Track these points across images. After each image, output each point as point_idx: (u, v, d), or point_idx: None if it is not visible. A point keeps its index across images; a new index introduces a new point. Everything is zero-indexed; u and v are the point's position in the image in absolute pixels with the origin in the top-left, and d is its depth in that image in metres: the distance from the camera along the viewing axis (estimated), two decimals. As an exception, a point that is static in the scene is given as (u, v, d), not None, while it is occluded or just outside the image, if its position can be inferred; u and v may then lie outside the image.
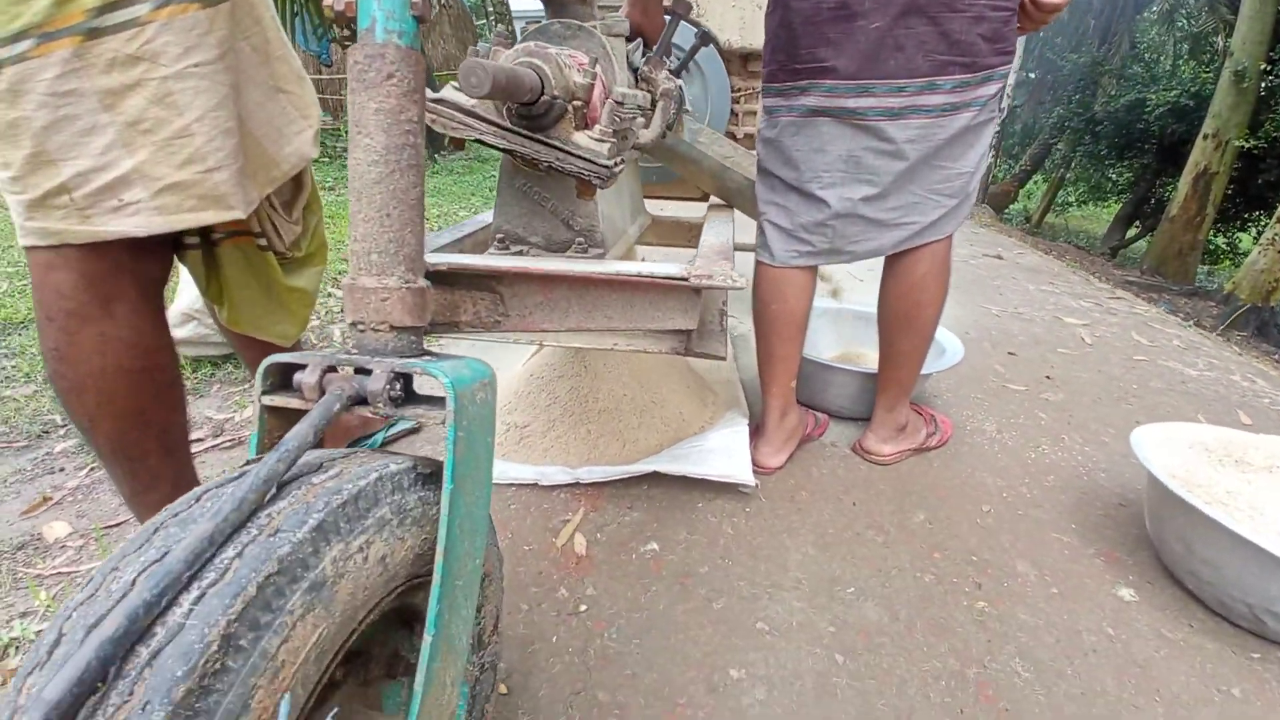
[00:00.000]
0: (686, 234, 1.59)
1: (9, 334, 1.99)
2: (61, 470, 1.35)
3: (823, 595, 1.01)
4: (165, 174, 0.68)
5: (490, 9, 9.08)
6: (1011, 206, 10.75)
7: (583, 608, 0.96)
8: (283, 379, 0.50)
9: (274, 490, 0.39)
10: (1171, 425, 1.19)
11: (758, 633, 0.94)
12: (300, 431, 0.42)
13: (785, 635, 0.93)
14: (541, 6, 0.95)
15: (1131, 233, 9.04)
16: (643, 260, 0.93)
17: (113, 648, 0.29)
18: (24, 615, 0.97)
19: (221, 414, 1.60)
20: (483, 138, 0.78)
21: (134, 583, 0.33)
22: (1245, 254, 5.94)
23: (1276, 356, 3.10)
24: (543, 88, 0.74)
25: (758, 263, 1.24)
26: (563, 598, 0.98)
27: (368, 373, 0.47)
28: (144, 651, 0.30)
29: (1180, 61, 8.91)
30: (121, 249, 0.69)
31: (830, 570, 1.07)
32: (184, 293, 1.71)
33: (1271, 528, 1.04)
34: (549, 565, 1.05)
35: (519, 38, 0.88)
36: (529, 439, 1.29)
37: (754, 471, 1.22)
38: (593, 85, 0.80)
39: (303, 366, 0.48)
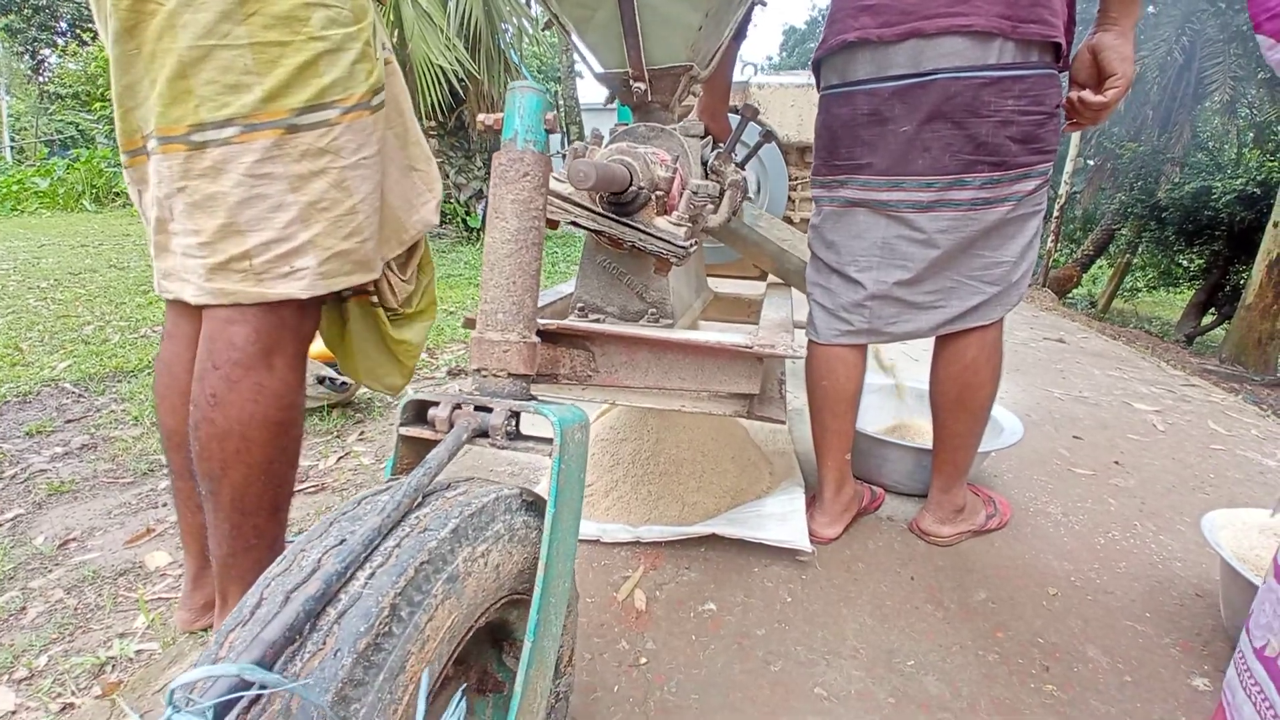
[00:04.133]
0: (745, 309, 1.68)
1: (119, 381, 2.23)
2: (165, 505, 1.47)
3: (881, 665, 1.01)
4: (333, 245, 0.79)
5: (561, 101, 9.91)
6: (1075, 291, 10.52)
7: (643, 660, 0.99)
8: (416, 414, 0.59)
9: (420, 499, 0.48)
10: (1244, 510, 1.16)
11: (815, 697, 0.94)
12: (438, 454, 0.51)
13: (843, 702, 0.94)
14: (603, 101, 1.10)
15: (1207, 320, 8.67)
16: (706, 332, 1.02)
17: (315, 604, 0.37)
18: (122, 636, 1.05)
19: (307, 462, 1.73)
20: (578, 220, 0.91)
21: (320, 560, 0.42)
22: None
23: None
24: (631, 180, 0.86)
25: (809, 340, 1.31)
26: (624, 650, 1.02)
27: (488, 410, 0.56)
28: (332, 613, 0.38)
29: (1245, 150, 8.80)
30: (289, 308, 0.80)
31: (888, 641, 1.07)
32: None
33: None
34: (610, 618, 1.09)
35: (583, 123, 1.02)
36: (592, 497, 1.36)
37: (810, 540, 1.24)
38: (673, 178, 0.92)
39: (436, 404, 0.57)
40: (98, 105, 9.60)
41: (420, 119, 5.79)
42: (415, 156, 0.94)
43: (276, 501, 0.86)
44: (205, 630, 1.03)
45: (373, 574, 0.40)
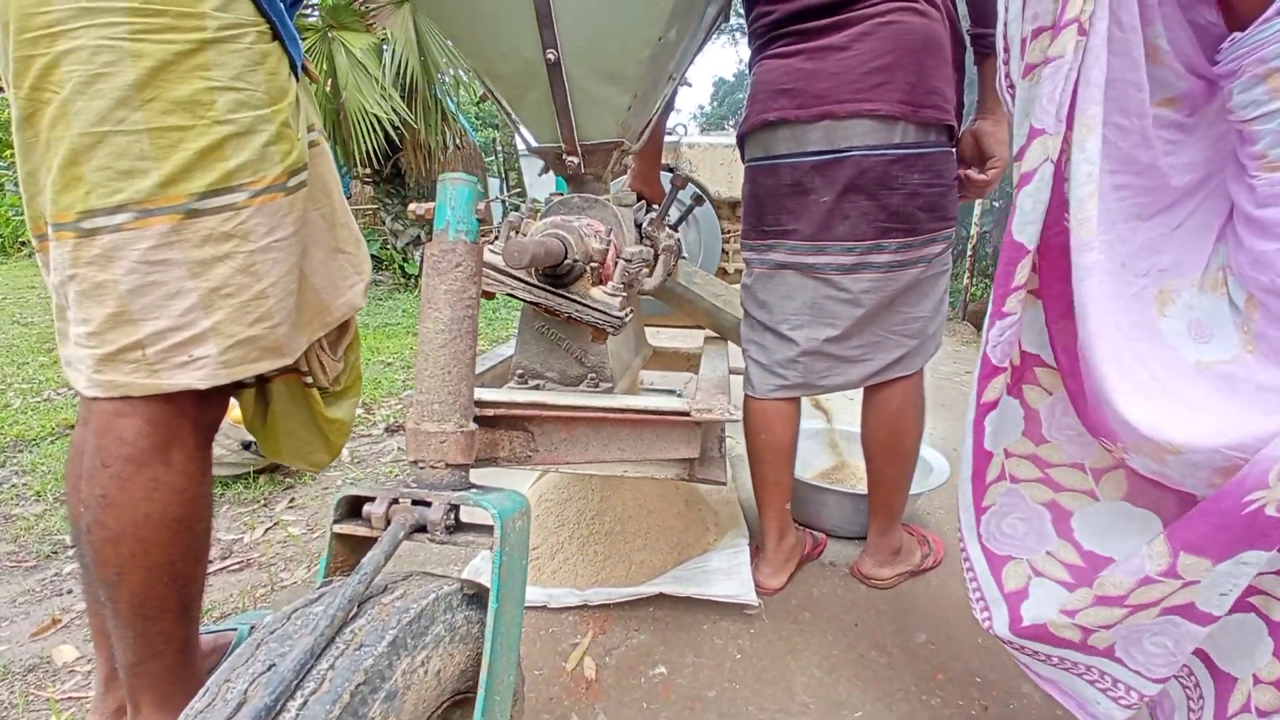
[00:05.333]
0: (685, 361, 1.72)
1: (20, 450, 2.05)
2: (70, 592, 1.37)
3: (830, 719, 1.03)
4: (237, 331, 0.74)
5: (499, 148, 10.00)
6: (992, 323, 11.18)
7: (593, 735, 0.97)
8: (351, 509, 0.58)
9: (356, 609, 0.47)
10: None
11: (767, 760, 0.94)
12: (374, 557, 0.50)
13: (795, 762, 0.94)
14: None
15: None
16: (645, 386, 1.04)
17: (241, 746, 0.36)
18: (34, 743, 0.97)
19: (231, 534, 1.63)
20: (514, 292, 0.92)
21: (247, 693, 0.40)
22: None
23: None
24: (565, 253, 0.88)
25: (745, 395, 1.36)
26: (573, 724, 0.99)
27: (426, 504, 0.56)
28: (260, 751, 0.37)
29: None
30: (187, 397, 0.74)
31: (837, 694, 1.08)
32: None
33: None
34: (560, 690, 1.06)
35: (521, 170, 1.05)
36: (538, 561, 1.34)
37: (756, 591, 1.26)
38: (607, 249, 0.95)
39: (371, 499, 0.56)
40: (8, 153, 9.01)
41: (355, 166, 5.71)
42: (343, 239, 0.92)
43: (183, 602, 0.79)
44: (116, 738, 0.94)
45: (304, 703, 0.39)
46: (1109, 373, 0.62)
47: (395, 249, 6.18)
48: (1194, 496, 0.65)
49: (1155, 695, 0.70)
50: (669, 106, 1.28)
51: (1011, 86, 0.70)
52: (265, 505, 1.78)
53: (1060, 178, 0.65)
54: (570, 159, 1.03)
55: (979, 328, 9.40)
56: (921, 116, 1.09)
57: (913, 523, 1.61)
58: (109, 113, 0.67)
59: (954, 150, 1.19)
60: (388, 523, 0.55)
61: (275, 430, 0.98)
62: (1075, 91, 0.62)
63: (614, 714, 1.02)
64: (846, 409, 2.08)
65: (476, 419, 0.64)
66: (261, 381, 0.95)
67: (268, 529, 1.65)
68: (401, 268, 6.14)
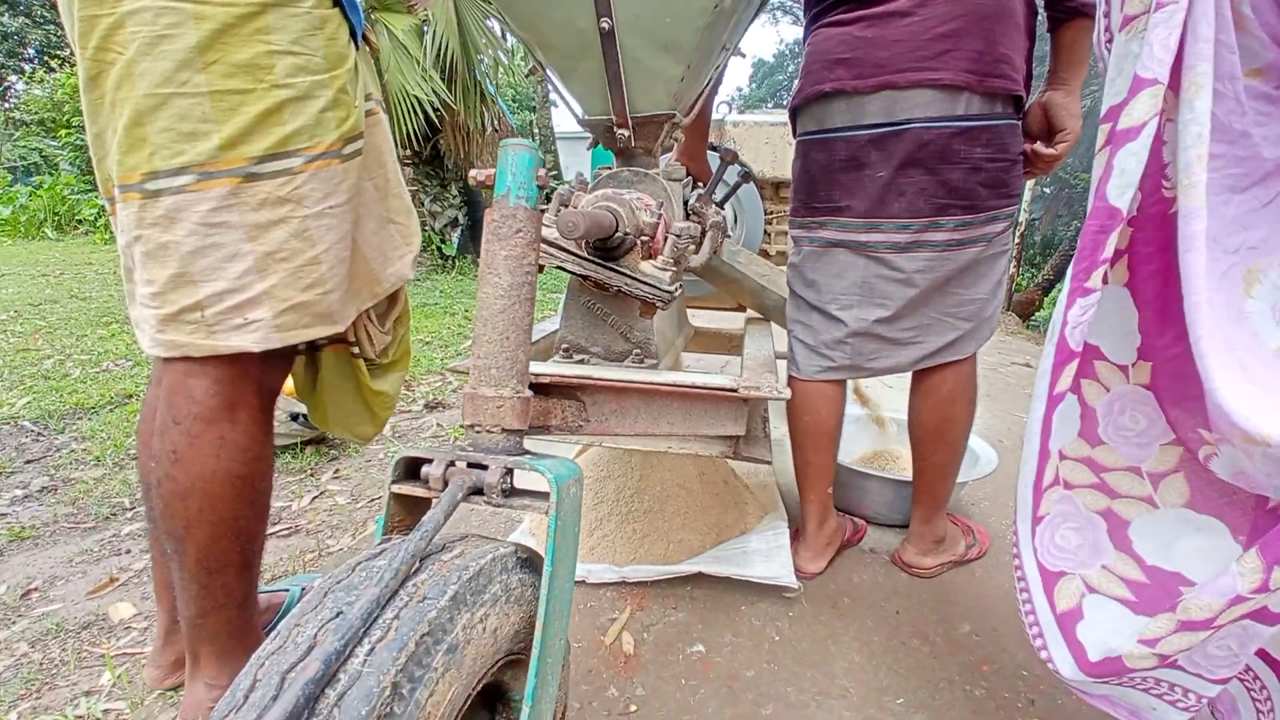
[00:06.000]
0: (725, 344, 1.70)
1: (80, 419, 2.15)
2: (128, 552, 1.42)
3: (872, 705, 1.01)
4: (290, 296, 0.76)
5: (536, 130, 10.01)
6: (1038, 314, 10.85)
7: (633, 708, 0.98)
8: (408, 471, 0.59)
9: (418, 564, 0.47)
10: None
11: (807, 741, 0.94)
12: (434, 516, 0.50)
13: (835, 745, 0.93)
14: (581, 129, 1.11)
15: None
16: (688, 367, 1.03)
17: (314, 687, 0.36)
18: (89, 694, 1.00)
19: (280, 502, 1.68)
20: (563, 265, 0.92)
21: (316, 636, 0.41)
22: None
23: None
24: (617, 226, 0.87)
25: (789, 376, 1.33)
26: (613, 697, 1.00)
27: (483, 467, 0.56)
28: (331, 694, 0.37)
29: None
30: (251, 359, 0.76)
31: (878, 680, 1.07)
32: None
33: None
34: (598, 663, 1.07)
35: (558, 152, 1.03)
36: (576, 536, 1.35)
37: (795, 576, 1.24)
38: (657, 223, 0.94)
39: (429, 460, 0.57)
40: (63, 132, 9.40)
41: (395, 147, 5.78)
42: (395, 209, 0.92)
43: (245, 558, 0.82)
44: (175, 689, 0.98)
45: (372, 649, 0.40)
46: (1208, 350, 0.58)
47: (433, 230, 6.26)
48: (1265, 501, 0.61)
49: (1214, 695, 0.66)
50: (719, 79, 1.25)
51: (1110, 41, 0.66)
52: (312, 475, 1.83)
53: (1159, 139, 0.61)
54: (621, 132, 1.02)
55: (1024, 318, 9.08)
56: (988, 86, 1.05)
57: (956, 513, 1.57)
58: (172, 74, 0.68)
59: (1020, 123, 1.13)
60: (444, 484, 0.56)
61: (323, 400, 1.00)
62: (1181, 47, 0.57)
63: (652, 688, 1.02)
64: (886, 396, 2.04)
65: (531, 386, 0.64)
66: (313, 350, 0.97)
67: (314, 498, 1.70)
68: (439, 249, 6.22)
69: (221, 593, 0.80)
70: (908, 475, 1.44)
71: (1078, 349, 0.68)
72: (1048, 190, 11.40)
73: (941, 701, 1.03)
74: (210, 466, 0.76)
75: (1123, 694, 0.70)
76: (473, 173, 0.63)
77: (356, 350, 0.97)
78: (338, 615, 0.42)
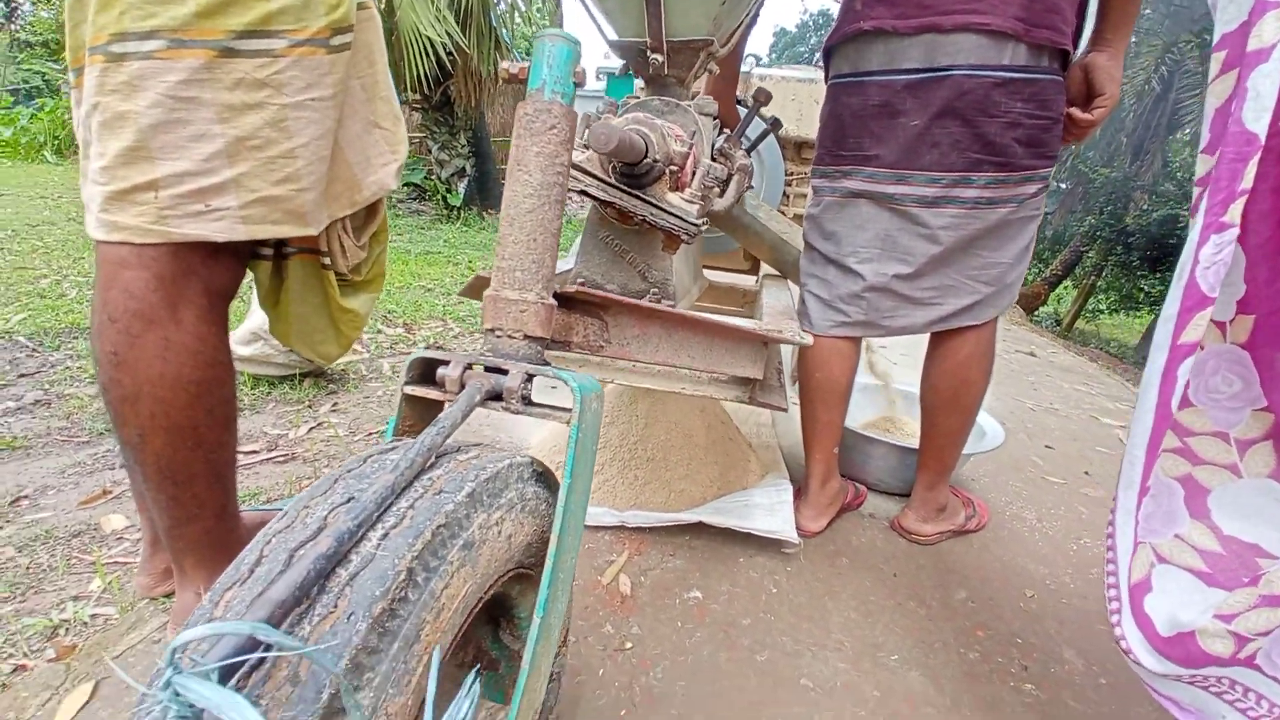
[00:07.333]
0: (739, 299, 1.67)
1: (75, 338, 2.11)
2: (122, 467, 1.40)
3: (866, 660, 1.01)
4: (260, 188, 0.70)
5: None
6: (1042, 309, 10.82)
7: (628, 645, 0.97)
8: (423, 373, 0.56)
9: (433, 459, 0.45)
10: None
11: (802, 689, 0.93)
12: (452, 414, 0.47)
13: (830, 694, 0.93)
14: (600, 87, 1.06)
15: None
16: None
17: (325, 563, 0.34)
18: (76, 599, 0.98)
19: (276, 430, 1.66)
20: (588, 189, 0.87)
21: (327, 518, 0.38)
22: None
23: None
24: (646, 152, 0.83)
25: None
26: (609, 634, 0.99)
27: (502, 372, 0.53)
28: (343, 574, 0.35)
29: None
30: (197, 254, 0.70)
31: (873, 636, 1.07)
32: (255, 313, 1.81)
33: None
34: (595, 601, 1.06)
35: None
36: (577, 480, 1.33)
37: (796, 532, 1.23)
38: (688, 154, 0.89)
39: (446, 362, 0.54)
40: (63, 55, 9.13)
41: (404, 92, 5.61)
42: (381, 113, 0.86)
43: (214, 469, 0.78)
44: (166, 596, 0.97)
45: (386, 535, 0.37)
46: None
47: (439, 179, 6.14)
48: None
49: None
50: (755, 17, 1.19)
51: None
52: (310, 406, 1.81)
53: None
54: (655, 56, 0.97)
55: (1029, 312, 9.01)
56: (1035, 37, 0.99)
57: (958, 486, 1.57)
58: None
59: (1064, 80, 1.08)
60: (460, 388, 0.53)
61: (287, 311, 0.94)
62: None
63: (648, 629, 1.02)
64: (895, 372, 2.02)
65: (555, 297, 0.60)
66: (280, 257, 0.90)
67: (311, 428, 1.68)
68: (444, 199, 6.11)
69: (192, 504, 0.77)
70: (913, 443, 1.42)
71: (1211, 294, 0.60)
72: (1064, 185, 11.25)
73: (936, 661, 1.02)
74: (158, 370, 0.70)
75: (1193, 696, 0.66)
76: (504, 64, 0.59)
77: (328, 262, 0.91)
78: (349, 500, 0.39)
